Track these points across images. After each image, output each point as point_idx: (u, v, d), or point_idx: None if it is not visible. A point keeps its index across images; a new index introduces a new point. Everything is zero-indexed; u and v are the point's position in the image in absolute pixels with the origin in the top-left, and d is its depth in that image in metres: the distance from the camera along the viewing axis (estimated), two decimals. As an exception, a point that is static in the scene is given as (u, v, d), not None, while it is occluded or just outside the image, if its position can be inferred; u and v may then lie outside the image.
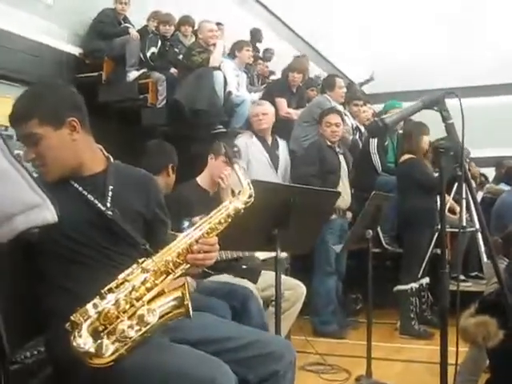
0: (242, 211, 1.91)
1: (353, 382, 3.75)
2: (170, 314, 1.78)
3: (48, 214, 1.52)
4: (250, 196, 1.93)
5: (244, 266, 3.60)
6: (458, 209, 5.30)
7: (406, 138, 5.35)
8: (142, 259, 1.80)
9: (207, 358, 1.79)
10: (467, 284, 5.63)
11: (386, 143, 5.98)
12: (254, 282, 3.50)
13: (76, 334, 1.67)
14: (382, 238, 5.52)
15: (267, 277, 3.57)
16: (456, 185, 5.19)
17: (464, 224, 4.94)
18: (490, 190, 6.69)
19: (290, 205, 2.52)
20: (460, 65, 10.20)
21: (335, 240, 4.96)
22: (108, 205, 1.89)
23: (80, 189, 1.90)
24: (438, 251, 4.71)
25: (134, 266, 1.79)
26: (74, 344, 1.66)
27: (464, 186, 4.29)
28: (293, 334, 4.10)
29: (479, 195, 6.50)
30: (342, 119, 5.32)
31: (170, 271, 1.81)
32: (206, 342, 1.94)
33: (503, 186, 6.52)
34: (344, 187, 5.11)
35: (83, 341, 1.66)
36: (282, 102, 6.44)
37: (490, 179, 7.93)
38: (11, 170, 1.46)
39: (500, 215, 5.35)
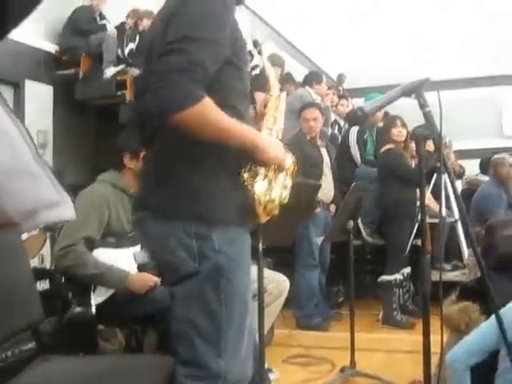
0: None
1: (337, 372, 3.76)
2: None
3: (68, 211, 1.57)
4: None
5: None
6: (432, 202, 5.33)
7: (384, 130, 5.38)
8: None
9: None
10: (452, 274, 5.61)
11: (366, 136, 5.98)
12: None
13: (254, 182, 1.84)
14: (363, 230, 5.54)
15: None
16: (435, 176, 5.27)
17: (443, 215, 4.97)
18: (468, 181, 6.75)
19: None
20: (442, 58, 10.24)
21: (319, 233, 4.90)
22: None
23: None
24: (419, 242, 4.74)
25: None
26: (255, 189, 1.82)
27: (443, 176, 4.38)
28: (276, 328, 4.12)
29: (458, 185, 6.54)
30: (322, 113, 5.28)
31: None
32: None
33: (480, 177, 6.57)
34: (327, 180, 5.08)
35: (260, 184, 1.85)
36: (262, 96, 6.45)
37: (467, 171, 7.96)
38: (36, 168, 1.52)
39: (479, 206, 5.43)
